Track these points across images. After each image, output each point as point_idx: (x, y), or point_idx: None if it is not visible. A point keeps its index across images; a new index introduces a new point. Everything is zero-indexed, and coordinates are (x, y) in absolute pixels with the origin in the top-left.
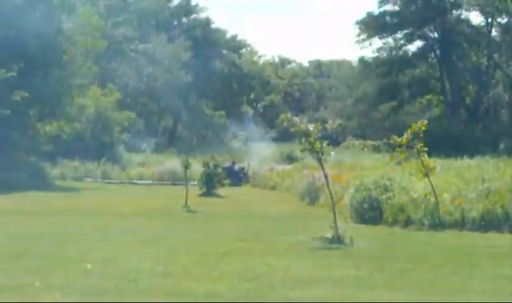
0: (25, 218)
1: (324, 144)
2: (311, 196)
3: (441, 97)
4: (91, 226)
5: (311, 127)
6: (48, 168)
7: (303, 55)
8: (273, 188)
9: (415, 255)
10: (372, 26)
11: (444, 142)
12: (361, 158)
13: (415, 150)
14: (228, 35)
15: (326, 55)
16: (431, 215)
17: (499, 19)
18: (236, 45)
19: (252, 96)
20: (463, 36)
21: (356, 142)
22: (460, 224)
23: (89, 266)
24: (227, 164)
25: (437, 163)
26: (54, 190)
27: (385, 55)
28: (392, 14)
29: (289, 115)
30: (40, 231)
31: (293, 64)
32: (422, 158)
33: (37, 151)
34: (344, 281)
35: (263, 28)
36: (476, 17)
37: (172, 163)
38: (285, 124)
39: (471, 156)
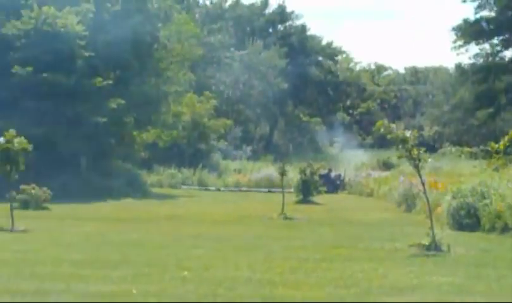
0: (122, 226)
1: (421, 151)
2: (408, 202)
3: None
4: (188, 233)
5: (408, 133)
6: (145, 175)
7: (399, 62)
8: (369, 195)
9: None
10: (468, 32)
11: None
12: (458, 165)
13: None
14: (324, 42)
15: (422, 61)
16: None
17: None
18: (331, 52)
19: (348, 103)
20: None
21: (453, 149)
22: None
23: (185, 273)
24: (324, 171)
25: None
26: (151, 198)
27: (481, 61)
28: (488, 20)
29: (385, 121)
30: (137, 238)
31: (389, 71)
32: None
33: (134, 158)
34: (441, 288)
35: (359, 34)
36: None
37: (269, 170)
38: (382, 130)
39: None
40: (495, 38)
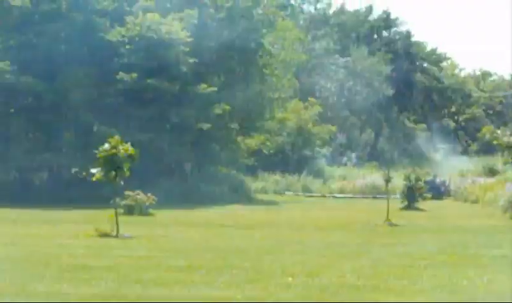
0: (226, 231)
1: None
2: None
3: None
4: (292, 239)
5: None
6: (250, 181)
7: (504, 68)
8: (475, 202)
9: None
10: None
11: None
12: None
13: None
14: (428, 48)
15: None
16: None
17: None
18: (436, 58)
19: (453, 109)
20: None
21: None
22: None
23: (290, 279)
24: (429, 178)
25: None
26: (255, 204)
27: None
28: None
29: (491, 128)
30: (241, 244)
31: (494, 77)
32: None
33: (238, 164)
34: None
35: (464, 40)
36: None
37: (374, 176)
38: (487, 136)
39: None
40: None
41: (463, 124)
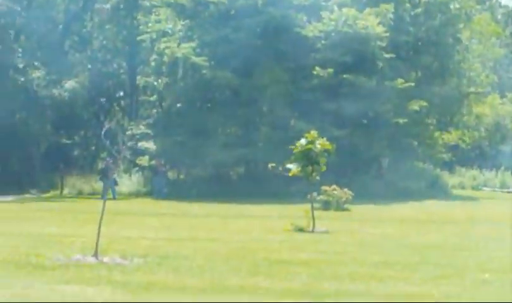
0: (422, 227)
1: None
2: None
3: None
4: (488, 235)
5: None
6: (446, 176)
7: None
8: None
9: None
10: None
11: None
12: None
13: None
14: None
15: None
16: None
17: None
18: None
19: None
20: None
21: None
22: None
23: (486, 275)
24: None
25: None
26: (451, 199)
27: None
28: None
29: None
30: (437, 240)
31: None
32: None
33: (435, 159)
34: None
35: None
36: None
37: None
38: None
39: None
40: None
41: None
